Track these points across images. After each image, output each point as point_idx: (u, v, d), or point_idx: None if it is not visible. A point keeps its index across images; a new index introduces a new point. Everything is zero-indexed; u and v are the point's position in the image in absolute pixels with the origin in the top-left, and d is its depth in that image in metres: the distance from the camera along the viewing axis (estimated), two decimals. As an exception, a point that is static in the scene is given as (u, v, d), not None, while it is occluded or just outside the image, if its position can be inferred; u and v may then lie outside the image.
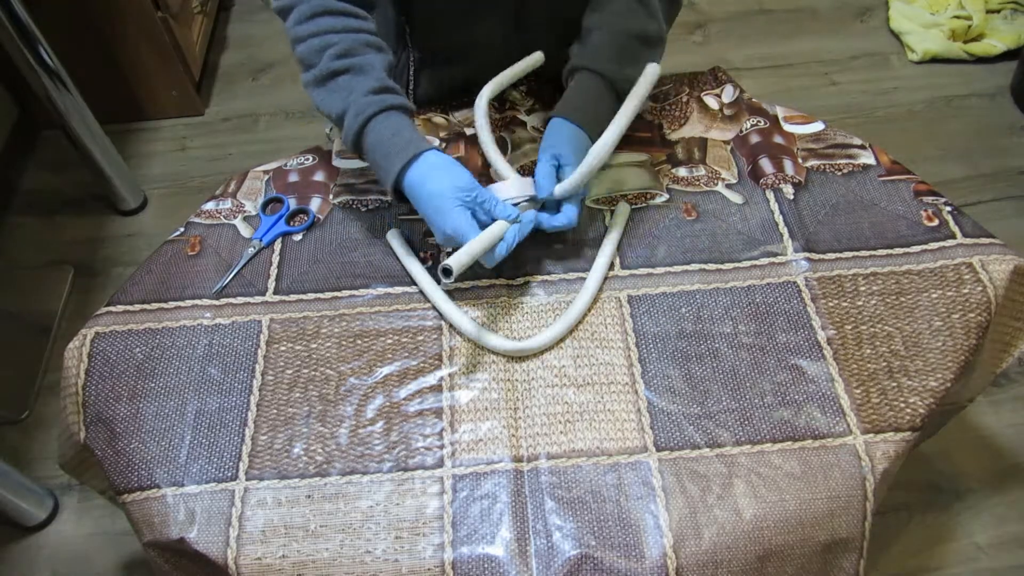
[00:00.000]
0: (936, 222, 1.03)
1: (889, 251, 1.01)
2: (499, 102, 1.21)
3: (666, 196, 1.09)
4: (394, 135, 0.95)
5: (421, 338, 0.96)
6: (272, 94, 2.42)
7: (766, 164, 1.11)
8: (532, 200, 1.00)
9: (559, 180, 1.01)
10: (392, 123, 0.96)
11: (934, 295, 0.97)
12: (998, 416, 1.63)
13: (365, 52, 0.98)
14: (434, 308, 0.98)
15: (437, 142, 1.16)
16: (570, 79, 1.08)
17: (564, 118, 1.04)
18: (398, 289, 1.01)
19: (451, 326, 0.97)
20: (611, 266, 1.01)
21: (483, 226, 0.93)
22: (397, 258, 1.03)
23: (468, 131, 1.17)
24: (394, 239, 1.04)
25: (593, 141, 1.02)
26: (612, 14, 1.06)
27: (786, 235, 1.03)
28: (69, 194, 2.17)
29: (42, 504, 1.57)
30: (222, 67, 2.51)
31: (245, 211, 1.10)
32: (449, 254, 1.03)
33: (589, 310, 0.97)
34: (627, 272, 1.01)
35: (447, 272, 0.88)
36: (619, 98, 1.05)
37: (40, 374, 1.79)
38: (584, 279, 1.00)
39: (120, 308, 1.00)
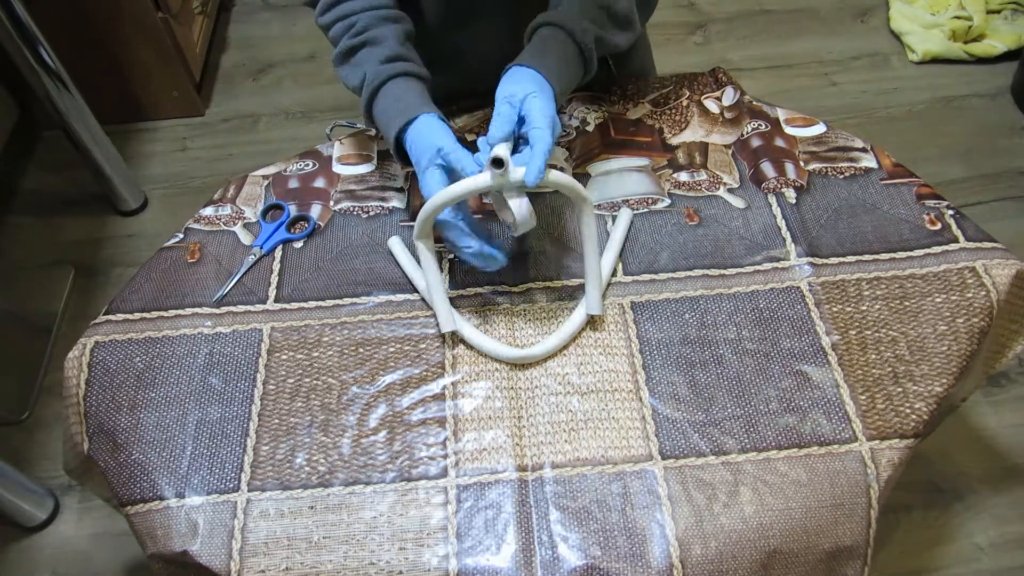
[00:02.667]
0: (939, 226, 1.03)
1: (892, 255, 1.01)
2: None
3: (668, 201, 1.09)
4: (396, 100, 0.99)
5: (423, 346, 0.96)
6: (272, 95, 2.41)
7: (768, 168, 1.11)
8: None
9: (521, 124, 0.92)
10: (397, 89, 1.00)
11: (938, 299, 0.96)
12: (998, 416, 1.63)
13: (380, 26, 1.03)
14: (436, 316, 0.98)
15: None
16: (530, 37, 1.03)
17: (518, 65, 0.97)
18: (400, 296, 1.00)
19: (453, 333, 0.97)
20: (614, 272, 1.01)
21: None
22: (399, 265, 1.03)
23: (469, 137, 1.17)
24: (396, 246, 1.04)
25: (556, 90, 0.94)
26: None
27: (789, 239, 1.03)
28: (69, 194, 2.17)
29: (42, 504, 1.58)
30: (222, 68, 2.51)
31: (245, 218, 1.10)
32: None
33: (591, 317, 0.97)
34: (630, 278, 1.01)
35: (498, 162, 0.84)
36: (582, 54, 1.01)
37: (40, 375, 1.79)
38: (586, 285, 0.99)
39: (120, 317, 0.99)
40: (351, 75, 1.03)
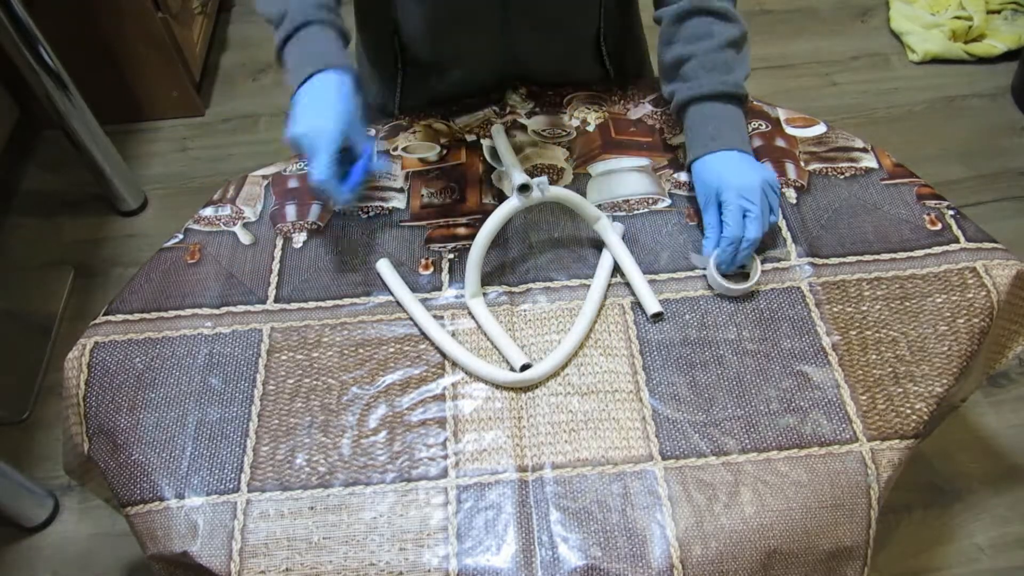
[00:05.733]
0: (939, 226, 1.03)
1: (893, 255, 1.01)
2: (499, 106, 1.21)
3: (668, 201, 1.08)
4: (316, 45, 0.98)
5: (423, 346, 0.96)
6: (272, 95, 2.42)
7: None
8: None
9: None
10: (320, 36, 0.99)
11: (938, 299, 0.96)
12: (998, 416, 1.64)
13: None
14: (431, 334, 0.97)
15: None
16: (683, 119, 1.06)
17: (709, 153, 1.01)
18: (400, 296, 1.00)
19: (452, 362, 0.95)
20: (614, 273, 1.01)
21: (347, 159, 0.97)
22: (387, 287, 1.01)
23: (469, 137, 1.17)
24: (384, 269, 1.02)
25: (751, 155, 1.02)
26: (692, 40, 1.03)
27: (789, 240, 1.03)
28: (69, 194, 2.17)
29: (42, 505, 1.58)
30: (222, 68, 2.51)
31: (245, 218, 1.10)
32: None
33: (592, 326, 0.97)
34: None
35: (525, 187, 0.94)
36: (741, 104, 1.03)
37: (40, 375, 1.80)
38: (587, 285, 0.99)
39: (119, 317, 0.99)
40: (272, 4, 1.00)
